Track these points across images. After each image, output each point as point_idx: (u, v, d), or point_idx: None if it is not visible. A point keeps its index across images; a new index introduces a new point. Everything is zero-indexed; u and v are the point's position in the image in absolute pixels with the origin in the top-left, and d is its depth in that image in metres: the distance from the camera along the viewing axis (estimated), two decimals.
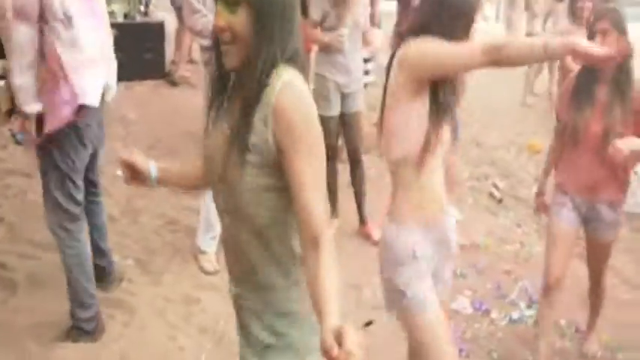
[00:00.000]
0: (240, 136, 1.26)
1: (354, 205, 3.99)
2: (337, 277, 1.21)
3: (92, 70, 2.61)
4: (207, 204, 3.45)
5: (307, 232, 1.25)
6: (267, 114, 1.24)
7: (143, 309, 2.99)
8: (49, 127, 2.52)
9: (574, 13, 4.78)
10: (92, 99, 2.60)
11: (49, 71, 2.49)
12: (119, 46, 6.14)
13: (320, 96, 3.73)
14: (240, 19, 1.23)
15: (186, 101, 5.97)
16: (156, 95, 6.48)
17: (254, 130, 1.25)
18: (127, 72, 6.44)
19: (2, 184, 4.12)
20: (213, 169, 1.37)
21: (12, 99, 4.93)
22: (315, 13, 3.69)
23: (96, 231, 2.97)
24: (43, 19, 2.44)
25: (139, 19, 7.15)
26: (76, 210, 2.67)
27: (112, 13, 7.05)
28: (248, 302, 1.45)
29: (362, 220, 4.00)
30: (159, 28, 7.06)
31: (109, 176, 4.16)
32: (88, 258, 2.72)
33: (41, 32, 2.46)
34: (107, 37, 2.81)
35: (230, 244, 1.46)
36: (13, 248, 3.36)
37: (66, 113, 2.52)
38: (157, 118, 5.62)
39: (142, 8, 7.48)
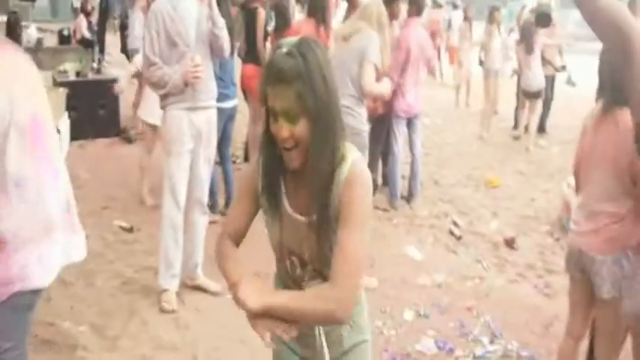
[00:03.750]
0: (326, 219, 1.46)
1: None
2: (303, 303, 1.43)
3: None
4: (165, 244, 3.44)
5: (328, 289, 1.44)
6: (339, 186, 1.45)
7: None
8: None
9: None
10: (39, 280, 1.92)
11: None
12: (72, 105, 6.20)
13: None
14: (301, 128, 1.41)
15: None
16: (110, 153, 6.42)
17: (332, 205, 1.46)
18: (81, 131, 6.43)
19: None
20: (294, 249, 1.56)
21: None
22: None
23: None
24: None
25: (91, 76, 7.12)
26: None
27: (64, 72, 7.03)
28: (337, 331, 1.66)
29: None
30: (112, 85, 7.04)
31: None
32: None
33: None
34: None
35: None
36: None
37: None
38: (112, 176, 5.54)
39: (95, 65, 7.47)
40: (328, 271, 1.46)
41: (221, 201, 4.88)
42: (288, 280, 1.63)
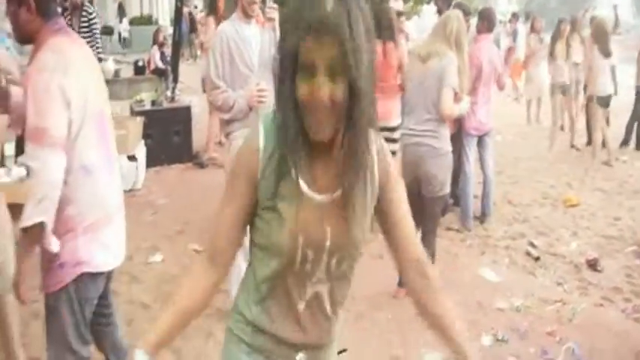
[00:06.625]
0: (362, 195, 1.34)
1: None
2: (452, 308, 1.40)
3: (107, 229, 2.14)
4: (238, 265, 3.44)
5: (410, 255, 1.43)
6: (373, 165, 1.37)
7: None
8: (48, 288, 2.10)
9: None
10: (104, 264, 2.15)
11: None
12: (147, 133, 6.43)
13: None
14: (340, 91, 1.19)
15: (214, 183, 6.04)
16: (184, 178, 6.59)
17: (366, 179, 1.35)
18: (157, 157, 6.67)
19: None
20: (312, 237, 1.33)
21: None
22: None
23: (114, 354, 2.60)
24: None
25: (165, 104, 7.37)
26: (88, 351, 2.26)
27: (140, 102, 7.32)
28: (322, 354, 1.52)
29: None
30: (186, 112, 7.26)
31: (138, 263, 4.19)
32: None
33: None
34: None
35: (315, 312, 1.43)
36: None
37: (62, 277, 2.06)
38: (186, 201, 5.69)
39: (169, 93, 7.74)
40: (350, 261, 1.38)
41: None
42: (286, 282, 1.40)
